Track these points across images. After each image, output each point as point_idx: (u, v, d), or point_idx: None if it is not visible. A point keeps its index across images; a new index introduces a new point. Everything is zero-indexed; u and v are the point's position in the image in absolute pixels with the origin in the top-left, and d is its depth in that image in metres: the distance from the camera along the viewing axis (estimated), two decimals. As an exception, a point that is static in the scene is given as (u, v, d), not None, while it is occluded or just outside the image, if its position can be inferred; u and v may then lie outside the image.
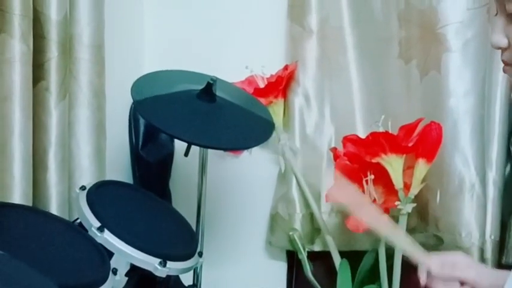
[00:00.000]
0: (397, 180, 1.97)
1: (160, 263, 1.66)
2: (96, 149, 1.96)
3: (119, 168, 2.25)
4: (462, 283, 1.35)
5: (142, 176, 2.27)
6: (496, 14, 1.14)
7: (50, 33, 1.77)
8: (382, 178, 1.99)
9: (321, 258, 2.24)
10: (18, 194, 1.68)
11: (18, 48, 1.67)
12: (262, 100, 2.18)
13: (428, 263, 1.37)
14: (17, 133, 1.67)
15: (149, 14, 2.43)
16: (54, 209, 1.82)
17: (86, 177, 1.92)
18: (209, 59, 2.25)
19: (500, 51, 1.14)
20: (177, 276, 2.08)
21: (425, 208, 2.14)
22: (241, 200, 2.39)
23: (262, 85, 2.23)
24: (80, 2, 1.88)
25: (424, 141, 1.95)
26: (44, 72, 1.78)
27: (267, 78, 2.24)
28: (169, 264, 1.68)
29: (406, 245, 1.48)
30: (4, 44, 1.66)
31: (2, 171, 1.67)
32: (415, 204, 1.99)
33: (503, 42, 1.11)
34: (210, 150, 2.04)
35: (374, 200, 2.00)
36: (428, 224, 2.15)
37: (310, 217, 2.25)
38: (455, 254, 1.45)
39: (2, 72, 1.66)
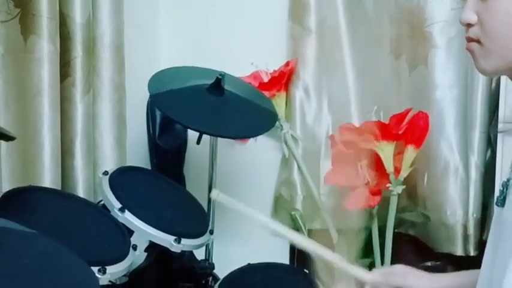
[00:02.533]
0: (388, 165, 1.96)
1: (175, 240, 1.67)
2: (117, 139, 1.96)
3: (138, 155, 2.25)
4: None
5: (159, 163, 2.26)
6: None
7: (75, 35, 1.77)
8: (375, 163, 1.99)
9: (320, 235, 2.24)
10: (48, 179, 1.69)
11: (47, 48, 1.67)
12: (266, 93, 2.17)
13: (370, 276, 1.35)
14: (47, 125, 1.68)
15: (164, 18, 2.42)
16: (80, 191, 1.83)
17: (109, 164, 1.92)
18: (218, 56, 2.24)
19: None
20: (191, 252, 2.09)
21: (414, 189, 2.14)
22: (248, 183, 2.37)
23: (266, 79, 2.22)
24: (101, 5, 1.88)
25: (412, 129, 1.95)
26: (70, 69, 1.79)
27: (271, 73, 2.23)
28: (183, 241, 1.68)
29: (350, 267, 1.41)
30: (34, 44, 1.66)
31: (33, 159, 1.67)
32: (404, 186, 2.00)
33: (474, 18, 1.08)
34: (219, 138, 2.04)
35: (368, 183, 2.00)
36: (417, 204, 2.15)
37: (310, 198, 2.25)
38: (394, 266, 1.44)
39: (33, 70, 1.67)
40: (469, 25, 1.10)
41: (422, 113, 1.96)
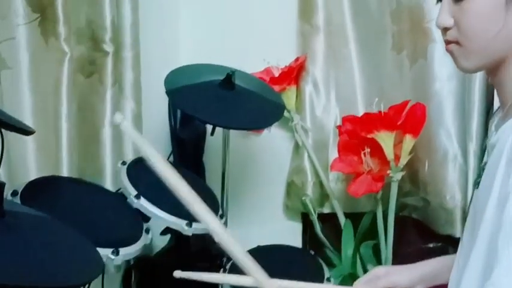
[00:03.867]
0: (389, 153, 1.96)
1: (187, 224, 1.67)
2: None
3: (160, 146, 2.29)
4: None
5: (180, 153, 2.28)
6: (437, 2, 1.13)
7: (100, 36, 1.81)
8: (377, 151, 1.98)
9: (329, 219, 2.26)
10: (65, 169, 1.72)
11: (63, 48, 1.70)
12: (278, 87, 2.19)
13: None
14: (64, 117, 1.71)
15: (184, 20, 2.44)
16: (107, 177, 1.87)
17: (128, 154, 1.94)
18: (234, 54, 2.24)
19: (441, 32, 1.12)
20: (210, 235, 2.11)
21: (416, 176, 2.14)
22: (262, 170, 2.40)
23: (277, 74, 2.24)
24: (123, 9, 1.90)
25: (410, 119, 1.94)
26: (96, 67, 1.82)
27: (281, 69, 2.25)
28: (194, 225, 1.68)
29: None
30: (53, 45, 1.69)
31: (54, 150, 1.71)
32: (404, 173, 1.99)
33: (450, 22, 1.09)
34: (234, 130, 2.06)
35: (370, 170, 2.01)
36: (419, 189, 2.15)
37: (320, 184, 2.26)
38: (373, 270, 1.43)
39: (53, 68, 1.70)
40: (446, 29, 1.11)
41: (419, 104, 1.95)
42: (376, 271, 1.39)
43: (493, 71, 1.13)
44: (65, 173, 1.72)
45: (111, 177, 1.90)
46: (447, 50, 1.13)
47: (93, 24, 1.82)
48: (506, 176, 1.01)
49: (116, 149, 1.91)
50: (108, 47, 1.85)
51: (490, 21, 1.05)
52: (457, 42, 1.10)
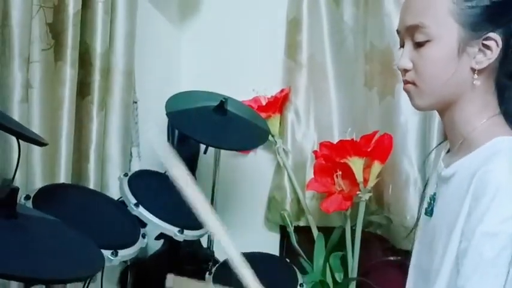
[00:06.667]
0: (359, 176, 1.96)
1: (179, 230, 1.68)
2: (123, 147, 1.94)
3: (158, 162, 2.28)
4: None
5: (176, 168, 2.28)
6: (400, 48, 1.13)
7: (95, 61, 1.77)
8: (348, 174, 1.99)
9: (304, 232, 2.25)
10: (63, 179, 1.68)
11: (69, 72, 1.67)
12: (264, 114, 2.19)
13: None
14: (64, 134, 1.67)
15: (185, 52, 2.46)
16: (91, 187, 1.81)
17: (115, 168, 1.90)
18: (228, 83, 2.24)
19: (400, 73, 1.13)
20: (199, 242, 2.11)
21: (381, 197, 2.14)
22: (247, 186, 2.40)
23: (264, 103, 2.25)
24: (117, 39, 1.87)
25: (378, 147, 1.95)
26: (90, 90, 1.78)
27: (268, 98, 2.26)
28: (185, 232, 1.69)
29: None
30: (60, 68, 1.67)
31: (55, 162, 1.68)
32: (371, 194, 2.00)
33: (409, 65, 1.08)
34: (223, 150, 2.06)
35: (342, 190, 2.01)
36: (383, 209, 2.15)
37: (297, 201, 2.26)
38: None
39: (57, 89, 1.67)
40: (405, 70, 1.10)
41: (387, 134, 1.96)
42: None
43: (443, 111, 1.13)
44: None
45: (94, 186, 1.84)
46: (405, 89, 1.13)
47: (89, 48, 1.78)
48: (472, 212, 1.00)
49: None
50: (98, 71, 1.80)
51: (444, 68, 1.06)
52: (413, 83, 1.10)
